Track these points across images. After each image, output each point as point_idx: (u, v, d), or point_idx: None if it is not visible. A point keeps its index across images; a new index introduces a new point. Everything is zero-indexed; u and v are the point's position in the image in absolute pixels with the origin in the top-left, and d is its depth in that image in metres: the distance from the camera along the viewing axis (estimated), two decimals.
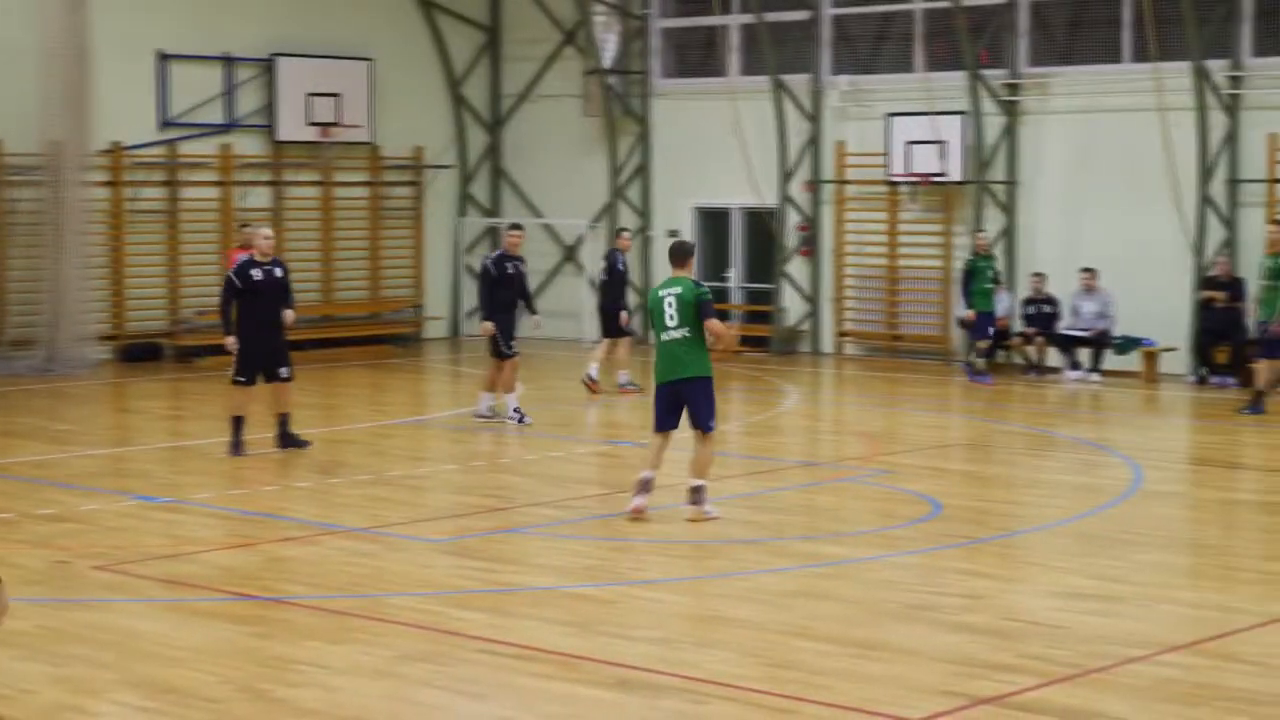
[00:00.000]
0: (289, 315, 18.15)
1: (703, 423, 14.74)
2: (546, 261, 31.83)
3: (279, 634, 10.95)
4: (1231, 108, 24.91)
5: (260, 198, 29.25)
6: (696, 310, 14.57)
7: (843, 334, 28.88)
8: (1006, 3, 26.73)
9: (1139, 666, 10.09)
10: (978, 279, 25.00)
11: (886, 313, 28.50)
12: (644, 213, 30.50)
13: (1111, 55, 26.12)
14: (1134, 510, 15.39)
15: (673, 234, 29.71)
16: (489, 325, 20.64)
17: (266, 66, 29.03)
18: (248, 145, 29.11)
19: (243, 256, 18.47)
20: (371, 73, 29.94)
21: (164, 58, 28.02)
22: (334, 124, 29.46)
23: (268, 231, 18.67)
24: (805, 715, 9.26)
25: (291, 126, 29.20)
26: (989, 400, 23.35)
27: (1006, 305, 26.05)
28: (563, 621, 11.22)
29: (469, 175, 32.17)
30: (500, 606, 11.73)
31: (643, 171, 30.67)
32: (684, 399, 14.76)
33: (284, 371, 18.22)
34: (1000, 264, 26.23)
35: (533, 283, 31.81)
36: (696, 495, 14.79)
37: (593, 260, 30.29)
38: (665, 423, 14.87)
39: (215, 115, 28.70)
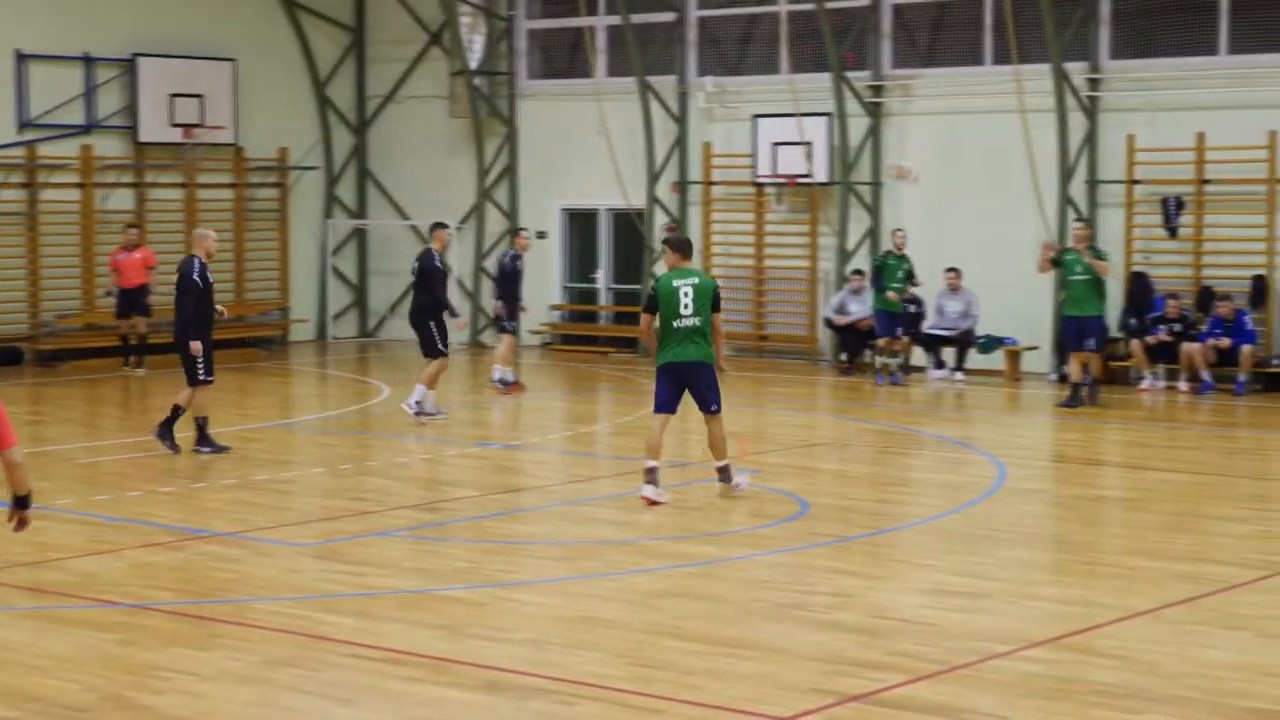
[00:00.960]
0: (223, 313, 18.71)
1: (710, 405, 15.70)
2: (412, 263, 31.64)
3: (144, 641, 10.81)
4: (1091, 110, 25.30)
5: (122, 200, 28.87)
6: (713, 301, 15.54)
7: None
8: (870, 5, 26.96)
9: (1004, 662, 10.22)
10: (887, 276, 25.01)
11: (753, 313, 28.64)
12: (511, 214, 30.44)
13: (974, 57, 26.43)
14: (998, 507, 15.58)
15: (541, 235, 29.72)
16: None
17: (128, 67, 28.66)
18: (109, 147, 28.72)
19: (197, 260, 18.30)
20: (235, 73, 29.65)
21: (22, 57, 27.58)
22: (197, 125, 29.14)
23: (214, 232, 18.99)
24: (674, 715, 9.28)
25: (154, 128, 28.84)
26: (855, 399, 23.54)
27: (871, 305, 26.23)
28: (431, 625, 11.17)
29: (335, 177, 31.95)
30: (368, 610, 11.66)
31: (510, 173, 30.62)
32: (687, 382, 15.69)
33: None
34: (866, 265, 26.42)
35: (399, 285, 31.82)
36: (724, 474, 15.79)
37: (460, 262, 30.22)
38: (668, 405, 15.78)
39: (76, 116, 28.29)
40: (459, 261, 30.05)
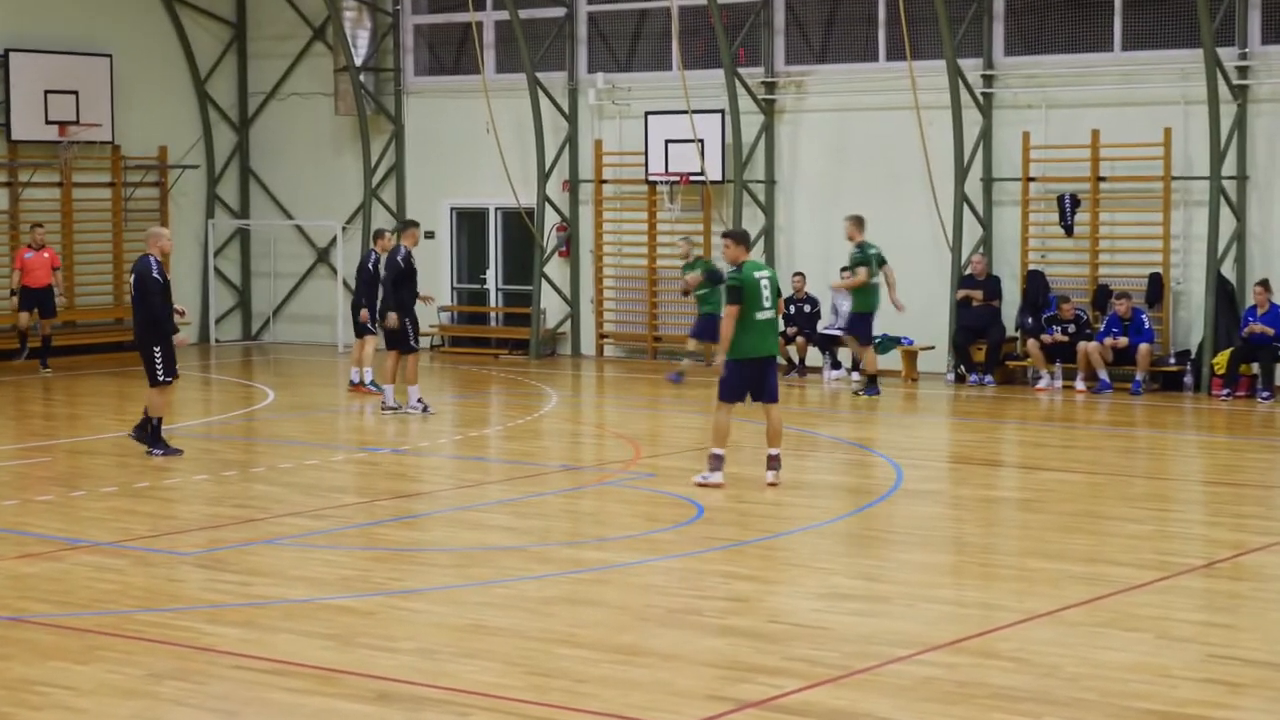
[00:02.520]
0: (183, 312, 18.95)
1: (777, 395, 16.47)
2: (299, 264, 31.51)
3: (20, 655, 10.67)
4: (985, 106, 25.52)
5: None
6: (779, 294, 16.46)
7: (603, 336, 29.01)
8: (762, 1, 27.06)
9: (902, 666, 10.28)
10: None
11: (647, 314, 28.68)
12: (398, 213, 30.31)
13: (868, 54, 26.61)
14: (895, 509, 15.69)
15: (429, 235, 29.63)
16: (394, 318, 21.62)
17: (2, 62, 28.27)
18: None
19: (153, 258, 18.18)
20: (112, 69, 29.33)
21: None
22: (72, 122, 28.80)
23: (168, 231, 19.30)
24: None
25: (28, 125, 28.47)
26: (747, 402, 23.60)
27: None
28: (320, 634, 11.10)
29: (216, 176, 31.69)
30: (254, 620, 11.56)
31: (396, 171, 30.49)
32: (761, 374, 16.34)
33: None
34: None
35: (285, 286, 31.60)
36: (776, 462, 16.40)
37: (346, 262, 30.05)
38: (742, 395, 16.46)
39: None
40: (344, 263, 29.87)
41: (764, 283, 16.15)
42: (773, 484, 16.27)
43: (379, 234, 24.28)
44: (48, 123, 28.61)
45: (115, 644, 10.86)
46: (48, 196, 29.28)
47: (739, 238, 16.62)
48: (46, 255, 26.54)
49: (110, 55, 29.36)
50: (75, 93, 28.84)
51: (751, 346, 16.21)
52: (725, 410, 16.41)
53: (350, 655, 10.60)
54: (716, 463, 16.29)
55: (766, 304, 16.14)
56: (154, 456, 18.15)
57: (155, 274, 18.08)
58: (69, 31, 29.10)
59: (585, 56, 28.89)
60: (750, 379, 16.36)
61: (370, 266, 23.47)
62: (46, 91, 28.53)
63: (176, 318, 18.49)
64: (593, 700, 9.64)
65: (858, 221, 23.70)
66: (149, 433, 18.32)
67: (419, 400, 21.67)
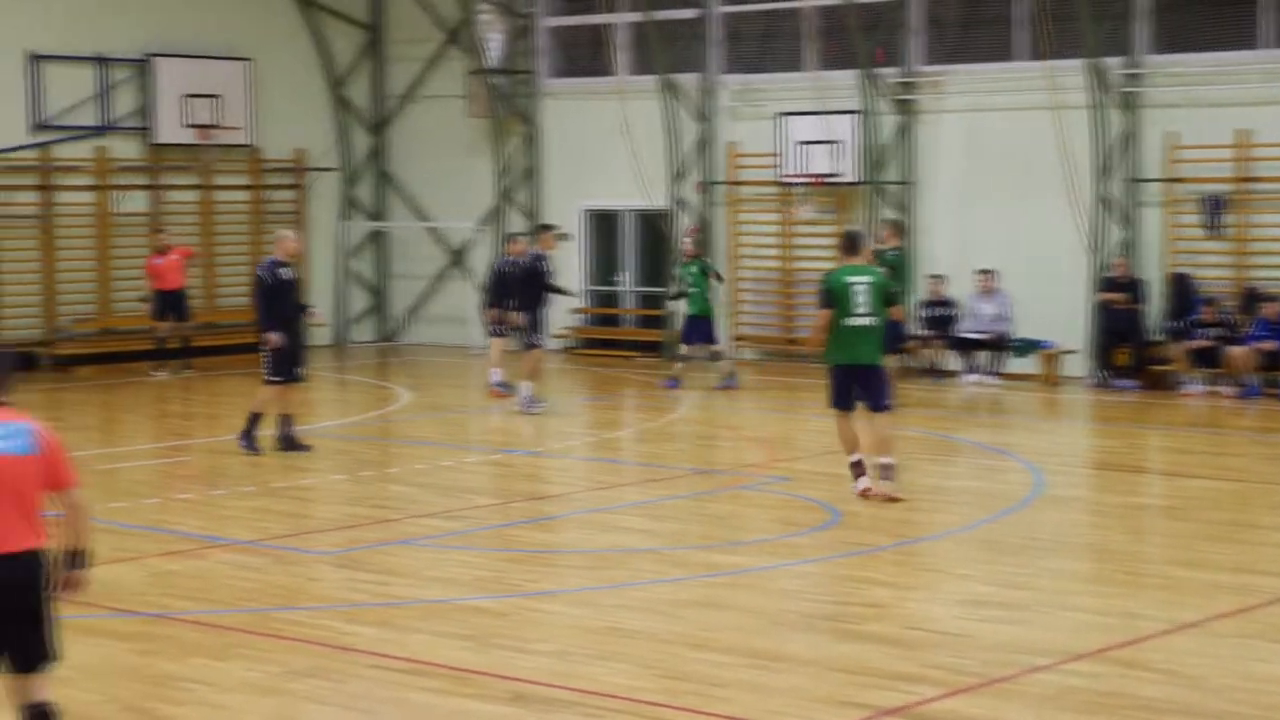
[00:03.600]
0: (319, 314, 18.81)
1: (883, 402, 15.87)
2: (433, 266, 31.71)
3: (163, 650, 10.82)
4: (1129, 106, 25.20)
5: (137, 202, 28.94)
6: (887, 298, 15.93)
7: (737, 338, 28.95)
8: (899, 1, 26.90)
9: (1043, 675, 10.17)
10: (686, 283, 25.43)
11: (781, 316, 28.60)
12: (532, 215, 30.43)
13: (1006, 53, 26.36)
14: (1036, 516, 15.51)
15: (562, 237, 29.69)
16: (517, 318, 22.42)
17: (142, 67, 28.72)
18: (124, 148, 28.79)
19: (270, 259, 18.73)
20: (251, 73, 29.70)
21: (35, 58, 27.65)
22: (213, 126, 29.19)
23: (293, 234, 19.40)
24: None
25: (169, 128, 28.90)
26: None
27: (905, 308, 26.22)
28: (455, 635, 11.16)
29: (352, 178, 31.98)
30: (391, 620, 11.65)
31: (531, 173, 30.62)
32: (860, 381, 15.83)
33: (302, 372, 18.97)
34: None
35: (420, 288, 31.84)
36: (888, 472, 15.80)
37: (482, 264, 30.18)
38: (850, 402, 15.91)
39: (90, 117, 28.36)
40: (477, 265, 30.01)
41: (858, 288, 15.64)
42: (891, 497, 15.68)
43: (512, 238, 24.45)
44: (188, 126, 29.02)
45: (255, 642, 10.99)
46: (188, 199, 29.69)
47: (854, 239, 16.21)
48: (175, 257, 26.77)
49: (249, 60, 29.71)
50: (215, 97, 29.24)
51: (844, 354, 15.78)
52: (842, 418, 16.05)
53: (485, 656, 10.65)
54: (857, 469, 16.02)
55: (859, 309, 15.62)
56: (240, 447, 18.48)
57: (261, 274, 18.63)
58: (209, 36, 29.48)
59: (719, 57, 28.85)
60: (852, 384, 15.88)
61: (502, 269, 23.57)
62: (187, 96, 28.93)
63: (307, 317, 18.77)
64: (727, 705, 9.62)
65: (895, 227, 23.26)
66: (247, 426, 18.55)
67: (528, 398, 21.84)
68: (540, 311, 22.59)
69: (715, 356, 25.44)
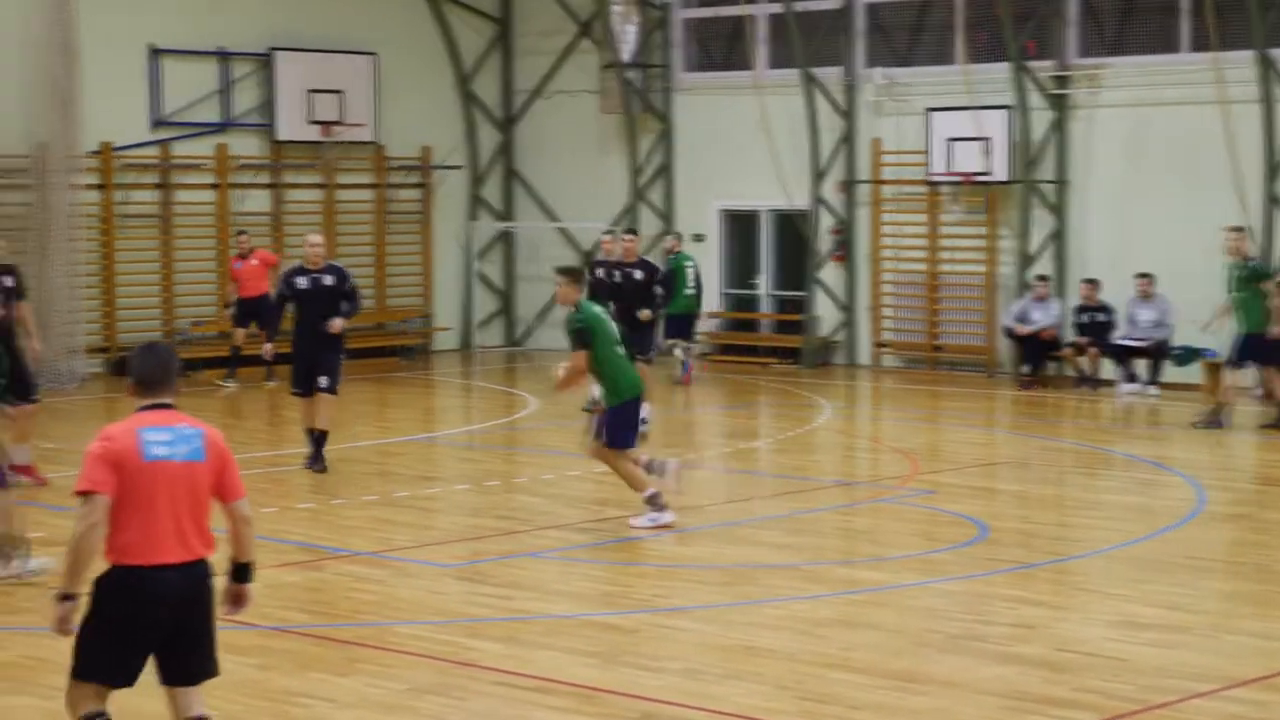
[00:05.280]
0: (335, 324, 18.01)
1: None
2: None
3: (281, 665, 10.93)
4: None
5: (259, 200, 29.29)
6: (643, 300, 17.07)
7: (880, 344, 28.82)
8: None
9: (1204, 702, 10.03)
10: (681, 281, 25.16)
11: (927, 322, 28.43)
12: (666, 215, 30.47)
13: (1167, 45, 26.06)
14: (1196, 533, 15.31)
15: (698, 238, 29.75)
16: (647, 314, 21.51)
17: (264, 62, 29.07)
18: (245, 145, 29.15)
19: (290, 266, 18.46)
20: (376, 68, 29.94)
21: (156, 53, 28.06)
22: (336, 122, 29.46)
23: (315, 239, 18.88)
24: None
25: (291, 125, 29.21)
26: (1037, 415, 23.29)
27: (1055, 313, 25.98)
28: (582, 651, 11.19)
29: (480, 176, 32.16)
30: (516, 635, 11.70)
31: (665, 171, 30.65)
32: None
33: (322, 381, 18.06)
34: (1050, 270, 26.11)
35: (549, 290, 31.93)
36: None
37: None
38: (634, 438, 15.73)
39: (211, 114, 28.74)
40: None
41: (608, 320, 15.53)
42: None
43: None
44: (311, 123, 29.32)
45: (376, 656, 11.07)
46: (310, 198, 30.00)
47: (573, 276, 15.62)
48: (255, 262, 26.41)
49: (374, 54, 29.97)
50: (339, 92, 29.51)
51: (632, 387, 15.38)
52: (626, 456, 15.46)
53: (613, 674, 10.67)
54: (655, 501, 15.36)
55: (616, 340, 15.33)
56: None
57: (279, 283, 18.42)
58: (333, 30, 29.76)
59: (863, 50, 28.74)
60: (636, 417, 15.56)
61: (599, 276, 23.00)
62: (310, 91, 29.23)
63: (326, 326, 18.02)
64: None
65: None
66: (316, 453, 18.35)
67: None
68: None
69: (685, 352, 25.49)
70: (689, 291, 25.22)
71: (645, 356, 20.81)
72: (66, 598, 7.74)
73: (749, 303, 30.42)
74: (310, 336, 18.09)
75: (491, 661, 10.94)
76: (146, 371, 7.99)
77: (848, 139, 28.75)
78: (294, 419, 18.94)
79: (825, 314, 29.16)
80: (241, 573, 8.09)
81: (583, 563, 14.13)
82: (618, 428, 15.32)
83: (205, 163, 28.68)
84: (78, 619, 7.76)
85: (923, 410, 24.23)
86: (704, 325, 29.70)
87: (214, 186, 28.83)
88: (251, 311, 25.96)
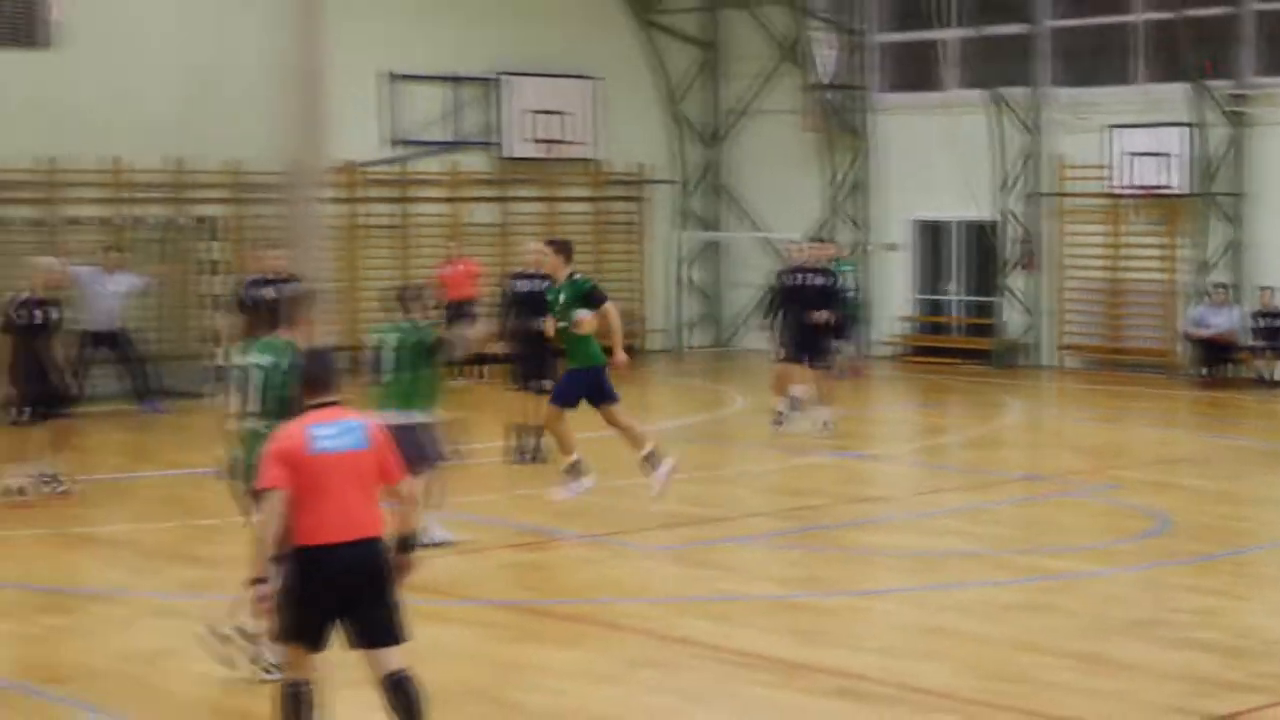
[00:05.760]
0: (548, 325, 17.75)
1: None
2: (764, 274, 31.73)
3: (510, 639, 11.07)
4: None
5: (486, 213, 29.62)
6: (583, 300, 15.79)
7: (1064, 347, 28.45)
8: (1231, 14, 26.14)
9: None
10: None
11: (1109, 326, 28.00)
12: (862, 227, 30.34)
13: None
14: None
15: (891, 247, 29.59)
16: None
17: (493, 85, 29.40)
18: (474, 162, 29.51)
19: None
20: (594, 90, 30.17)
21: (394, 78, 28.49)
22: (558, 141, 29.74)
23: (534, 245, 18.62)
24: None
25: (517, 143, 29.53)
26: (1216, 414, 22.86)
27: (1233, 318, 25.49)
28: (785, 630, 11.20)
29: (689, 190, 32.25)
30: (725, 614, 11.74)
31: (860, 185, 30.50)
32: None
33: (545, 384, 17.61)
34: (1228, 277, 25.71)
35: (751, 296, 31.96)
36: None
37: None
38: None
39: (444, 133, 29.11)
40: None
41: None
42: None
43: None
44: (534, 141, 29.62)
45: (595, 632, 11.17)
46: (533, 210, 30.28)
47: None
48: (461, 269, 26.23)
49: (593, 78, 30.19)
50: (561, 113, 29.79)
51: (597, 354, 15.48)
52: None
53: (814, 651, 10.66)
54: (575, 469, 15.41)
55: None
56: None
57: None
58: (556, 56, 30.03)
59: (1048, 71, 28.38)
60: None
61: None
62: (534, 112, 29.53)
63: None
64: (1053, 706, 9.48)
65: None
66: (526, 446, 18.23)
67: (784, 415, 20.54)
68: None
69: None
70: (848, 295, 24.77)
71: (823, 364, 20.45)
72: (257, 581, 8.07)
73: (940, 307, 30.17)
74: (528, 338, 17.75)
75: (701, 638, 10.98)
76: (313, 375, 8.30)
77: (1032, 154, 28.41)
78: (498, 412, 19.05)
79: (1012, 318, 28.83)
80: (404, 544, 8.25)
81: (784, 548, 14.13)
82: (571, 390, 15.43)
83: (438, 178, 29.07)
84: (272, 598, 8.03)
85: (1105, 409, 23.87)
86: (897, 328, 29.55)
87: (446, 200, 29.22)
88: (456, 314, 26.07)
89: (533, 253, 18.44)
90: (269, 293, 17.52)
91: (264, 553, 8.01)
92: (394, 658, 8.12)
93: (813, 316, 20.22)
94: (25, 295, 15.96)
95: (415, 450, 12.04)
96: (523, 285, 18.37)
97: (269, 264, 18.67)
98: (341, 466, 7.99)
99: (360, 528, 8.02)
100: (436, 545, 13.17)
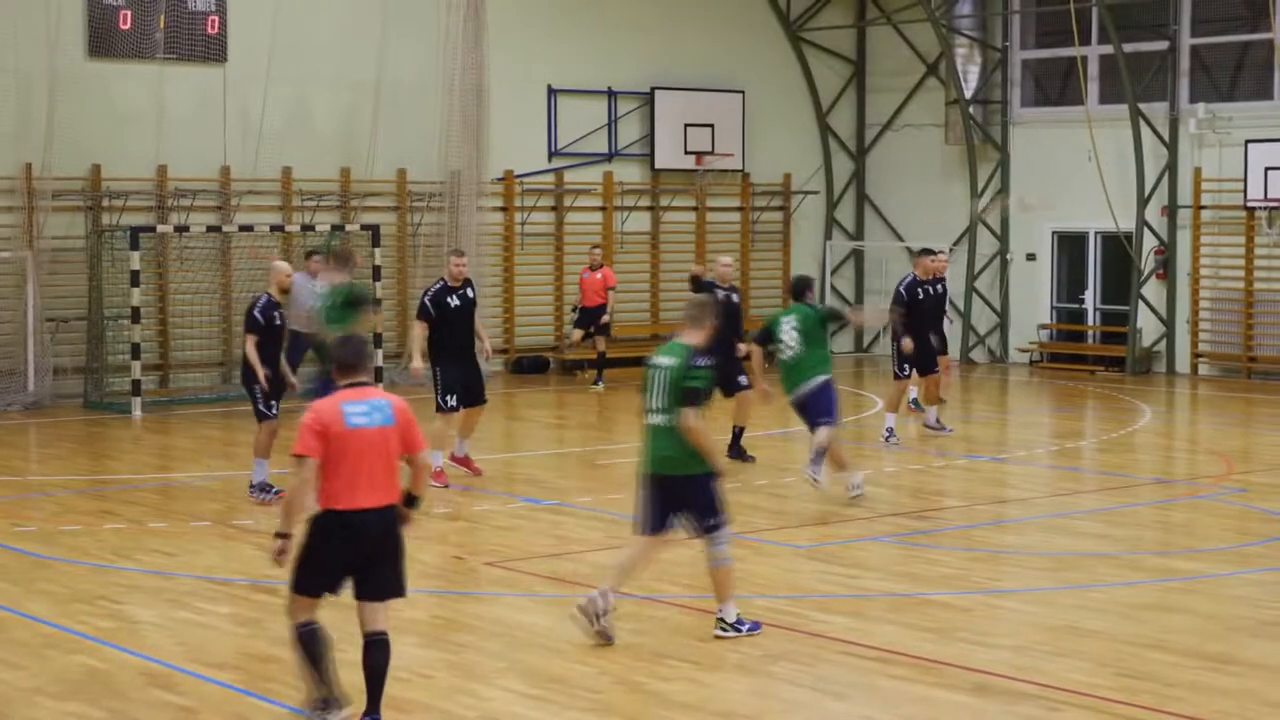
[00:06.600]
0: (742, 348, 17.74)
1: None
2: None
3: (654, 631, 11.09)
4: None
5: (639, 222, 29.72)
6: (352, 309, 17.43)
7: (1198, 355, 27.99)
8: None
9: None
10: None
11: (1242, 335, 27.51)
12: (1002, 238, 30.05)
13: None
14: None
15: (1030, 257, 29.29)
16: (907, 343, 19.90)
17: (646, 99, 29.49)
18: (628, 173, 29.61)
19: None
20: (743, 104, 30.16)
21: (553, 92, 28.68)
22: (708, 152, 29.76)
23: (726, 259, 18.99)
24: None
25: (669, 155, 29.59)
26: None
27: None
28: (921, 627, 11.13)
29: (834, 201, 32.12)
30: (860, 611, 11.69)
31: (1001, 197, 30.20)
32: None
33: (743, 380, 17.93)
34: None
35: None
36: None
37: (952, 283, 29.86)
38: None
39: (599, 145, 29.27)
40: (951, 284, 29.72)
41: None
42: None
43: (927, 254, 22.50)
44: (686, 153, 29.66)
45: None
46: (684, 220, 30.32)
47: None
48: (600, 276, 26.17)
49: (742, 91, 30.18)
50: (711, 125, 29.80)
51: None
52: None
53: (949, 648, 10.59)
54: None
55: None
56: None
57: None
58: (707, 70, 30.07)
59: (1187, 87, 27.94)
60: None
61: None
62: (686, 125, 29.58)
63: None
64: (1181, 704, 9.34)
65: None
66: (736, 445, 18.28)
67: (935, 420, 20.58)
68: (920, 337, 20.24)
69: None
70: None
71: (932, 372, 20.32)
72: (281, 535, 8.67)
73: (1078, 316, 29.80)
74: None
75: (838, 633, 10.95)
76: (346, 358, 8.81)
77: (1170, 168, 27.97)
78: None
79: (1147, 327, 28.42)
80: (411, 501, 8.84)
81: (920, 548, 14.04)
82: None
83: (593, 188, 29.21)
84: (291, 552, 8.66)
85: (1237, 415, 23.46)
86: (1036, 336, 29.21)
87: (600, 209, 29.34)
88: (589, 318, 26.12)
89: (724, 265, 18.64)
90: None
91: (292, 511, 8.62)
92: (382, 617, 8.69)
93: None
94: (266, 297, 15.86)
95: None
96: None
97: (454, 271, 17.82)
98: (371, 441, 8.56)
99: (382, 496, 8.60)
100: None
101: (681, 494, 10.70)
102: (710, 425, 10.79)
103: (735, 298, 18.65)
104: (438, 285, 16.82)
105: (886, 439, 19.67)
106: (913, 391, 21.60)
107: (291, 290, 16.82)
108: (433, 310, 16.65)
